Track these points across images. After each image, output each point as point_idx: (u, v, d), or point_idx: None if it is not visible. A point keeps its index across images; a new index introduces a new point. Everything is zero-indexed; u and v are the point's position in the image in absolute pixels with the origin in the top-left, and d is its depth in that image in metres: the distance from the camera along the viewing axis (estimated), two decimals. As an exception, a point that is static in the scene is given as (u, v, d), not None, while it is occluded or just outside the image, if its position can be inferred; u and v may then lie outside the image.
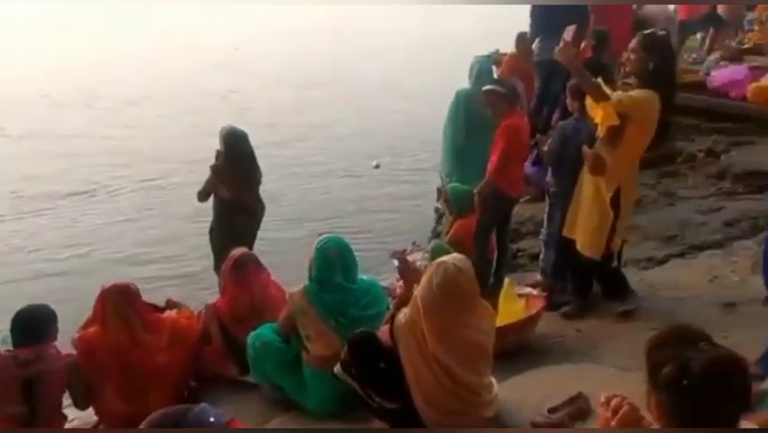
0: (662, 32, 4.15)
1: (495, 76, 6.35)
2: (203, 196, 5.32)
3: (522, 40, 7.51)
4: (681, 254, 5.41)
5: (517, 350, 3.86)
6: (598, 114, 3.91)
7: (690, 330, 1.69)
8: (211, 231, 5.37)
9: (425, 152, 9.68)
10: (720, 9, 9.84)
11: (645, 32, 4.02)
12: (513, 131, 4.93)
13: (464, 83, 5.99)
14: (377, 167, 9.13)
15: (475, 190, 5.07)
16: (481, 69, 5.68)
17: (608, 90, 3.91)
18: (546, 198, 5.02)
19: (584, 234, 4.20)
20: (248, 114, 12.08)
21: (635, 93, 3.89)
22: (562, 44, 3.89)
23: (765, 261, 3.67)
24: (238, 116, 10.53)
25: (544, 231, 4.99)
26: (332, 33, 21.01)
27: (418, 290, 3.03)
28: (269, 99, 14.04)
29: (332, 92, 14.53)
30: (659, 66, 3.84)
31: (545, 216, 4.94)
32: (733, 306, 4.15)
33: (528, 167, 5.69)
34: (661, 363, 1.61)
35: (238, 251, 4.21)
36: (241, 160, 5.19)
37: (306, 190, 9.30)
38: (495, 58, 7.63)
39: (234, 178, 5.16)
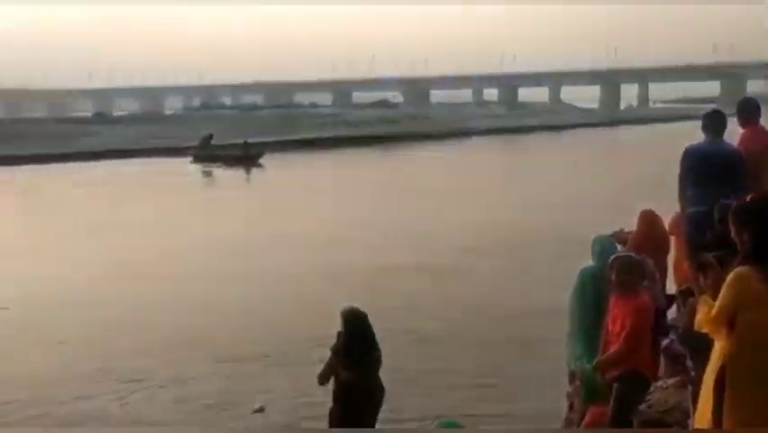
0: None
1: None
2: (323, 378, 5.21)
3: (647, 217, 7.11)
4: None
5: None
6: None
7: None
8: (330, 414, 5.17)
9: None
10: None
11: None
12: (645, 310, 4.93)
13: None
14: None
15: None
16: (604, 248, 5.60)
17: None
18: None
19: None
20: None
21: None
22: None
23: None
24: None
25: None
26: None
27: None
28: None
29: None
30: None
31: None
32: None
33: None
34: None
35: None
36: (361, 340, 5.11)
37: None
38: (619, 236, 7.23)
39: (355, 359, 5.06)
